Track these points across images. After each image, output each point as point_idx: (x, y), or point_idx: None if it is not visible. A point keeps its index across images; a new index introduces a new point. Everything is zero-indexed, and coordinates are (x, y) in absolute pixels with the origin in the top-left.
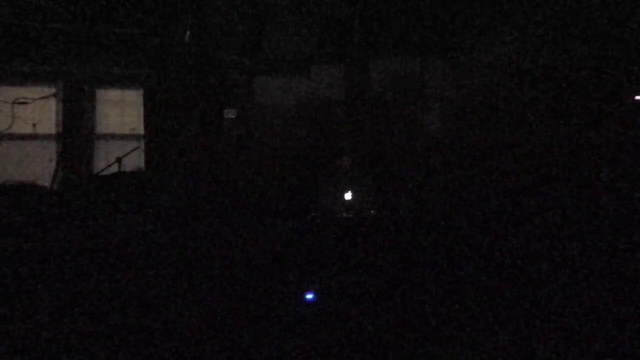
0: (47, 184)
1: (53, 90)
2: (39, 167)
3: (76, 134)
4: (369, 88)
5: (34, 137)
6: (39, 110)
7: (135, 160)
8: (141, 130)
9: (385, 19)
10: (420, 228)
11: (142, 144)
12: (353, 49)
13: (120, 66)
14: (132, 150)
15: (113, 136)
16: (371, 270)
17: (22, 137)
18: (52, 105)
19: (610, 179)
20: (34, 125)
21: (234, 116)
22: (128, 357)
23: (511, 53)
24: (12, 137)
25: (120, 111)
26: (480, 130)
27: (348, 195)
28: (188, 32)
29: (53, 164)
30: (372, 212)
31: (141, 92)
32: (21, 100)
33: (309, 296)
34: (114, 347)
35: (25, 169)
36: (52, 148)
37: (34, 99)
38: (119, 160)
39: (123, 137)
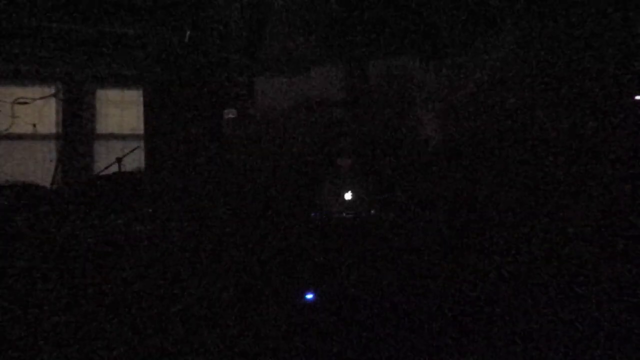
0: (47, 184)
1: (53, 90)
2: (39, 167)
3: (76, 134)
4: (369, 88)
5: (34, 137)
6: (39, 110)
7: (135, 160)
8: (141, 130)
9: (385, 19)
10: (420, 228)
11: (142, 144)
12: (353, 49)
13: (120, 66)
14: (132, 150)
15: (113, 136)
16: (371, 270)
17: (22, 137)
18: (52, 105)
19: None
20: (34, 125)
21: (234, 116)
22: (128, 356)
23: (511, 53)
24: (12, 137)
25: (120, 111)
26: (480, 130)
27: (348, 195)
28: (188, 32)
29: (53, 164)
30: (372, 212)
31: (141, 92)
32: (21, 100)
33: (309, 296)
34: (111, 348)
35: (25, 169)
36: (52, 148)
37: (34, 99)
38: (119, 160)
39: (123, 137)
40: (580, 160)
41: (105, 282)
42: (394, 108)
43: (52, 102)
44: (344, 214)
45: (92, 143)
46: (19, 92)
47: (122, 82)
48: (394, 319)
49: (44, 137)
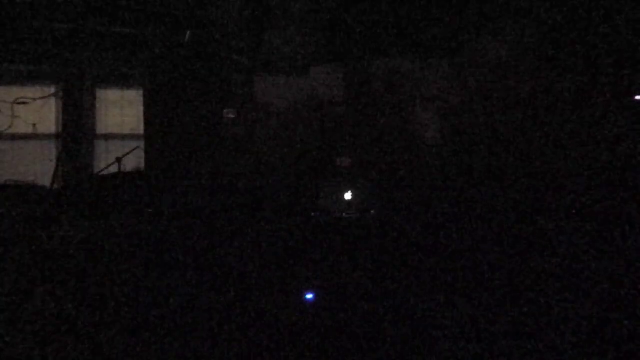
0: (47, 184)
1: (53, 90)
2: (39, 167)
3: (76, 134)
4: (369, 88)
5: (34, 137)
6: (39, 110)
7: (135, 160)
8: (141, 130)
9: (384, 19)
10: (419, 228)
11: (142, 144)
12: (353, 49)
13: (120, 66)
14: (132, 150)
15: (113, 136)
16: (371, 270)
17: (22, 137)
18: (52, 105)
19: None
20: (34, 125)
21: (234, 116)
22: (128, 357)
23: (511, 53)
24: (12, 137)
25: (120, 111)
26: (480, 130)
27: (348, 195)
28: (188, 32)
29: (53, 164)
30: (372, 212)
31: (141, 92)
32: (21, 100)
33: (309, 296)
34: (111, 348)
35: (25, 169)
36: (52, 148)
37: (34, 99)
38: (119, 160)
39: (123, 137)
40: (579, 159)
41: (104, 282)
42: (393, 108)
43: (52, 102)
44: (344, 214)
45: (92, 143)
46: (19, 92)
47: (122, 82)
48: (394, 319)
49: (44, 137)
